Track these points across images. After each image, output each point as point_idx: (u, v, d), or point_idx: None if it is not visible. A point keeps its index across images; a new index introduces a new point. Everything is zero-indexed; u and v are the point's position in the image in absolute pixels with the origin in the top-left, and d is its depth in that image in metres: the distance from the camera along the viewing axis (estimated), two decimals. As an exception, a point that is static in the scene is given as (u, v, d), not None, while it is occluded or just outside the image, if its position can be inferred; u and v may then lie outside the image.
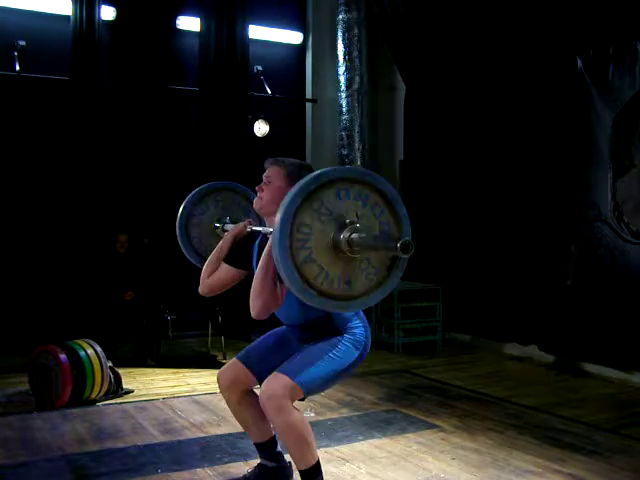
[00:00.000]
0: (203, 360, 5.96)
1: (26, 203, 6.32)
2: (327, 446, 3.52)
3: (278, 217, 2.15)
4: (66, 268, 6.28)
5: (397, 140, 7.72)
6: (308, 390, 2.59)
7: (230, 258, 2.85)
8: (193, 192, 3.22)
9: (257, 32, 7.38)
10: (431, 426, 3.97)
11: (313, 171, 2.32)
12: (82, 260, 6.27)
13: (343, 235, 2.22)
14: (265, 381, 2.59)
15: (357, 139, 7.38)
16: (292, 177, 2.63)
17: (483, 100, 6.39)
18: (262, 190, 2.70)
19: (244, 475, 3.03)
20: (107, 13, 6.58)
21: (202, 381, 5.19)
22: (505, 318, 6.20)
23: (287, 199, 2.18)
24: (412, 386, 5.00)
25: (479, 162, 6.49)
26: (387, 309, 6.60)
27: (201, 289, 2.89)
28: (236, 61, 7.03)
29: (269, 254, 2.44)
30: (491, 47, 6.22)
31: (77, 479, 3.14)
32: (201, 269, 2.91)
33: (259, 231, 2.82)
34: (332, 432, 3.82)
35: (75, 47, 6.33)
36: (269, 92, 7.25)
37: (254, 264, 2.75)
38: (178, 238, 3.19)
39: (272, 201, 2.63)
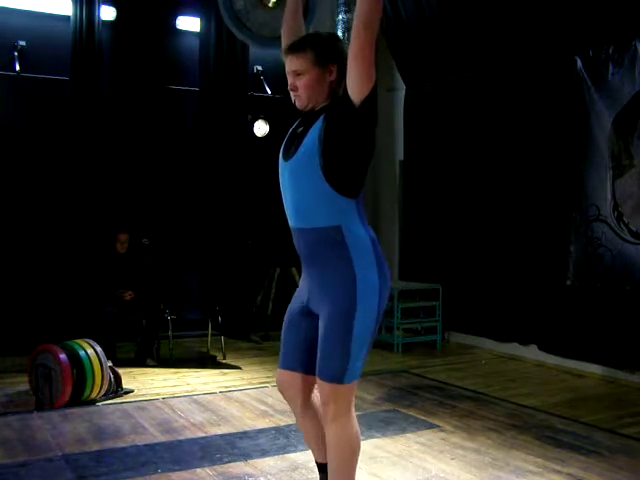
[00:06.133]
0: (203, 360, 5.96)
1: (26, 203, 6.32)
2: (327, 446, 3.51)
3: None
4: (66, 268, 6.27)
5: (397, 140, 7.71)
6: (358, 377, 2.45)
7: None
8: None
9: (257, 32, 7.37)
10: (431, 426, 3.98)
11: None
12: (82, 260, 6.26)
13: None
14: (315, 390, 2.46)
15: (357, 139, 7.35)
16: (323, 57, 2.35)
17: (483, 100, 6.40)
18: (296, 89, 2.42)
19: None
20: (107, 13, 6.57)
21: (202, 381, 5.19)
22: (505, 318, 6.20)
23: None
24: (412, 386, 5.00)
25: (479, 162, 6.49)
26: (387, 309, 6.59)
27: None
28: (236, 61, 7.02)
29: None
30: (491, 47, 6.23)
31: (77, 479, 3.14)
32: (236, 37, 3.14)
33: None
34: (332, 432, 3.81)
35: (75, 47, 6.31)
36: (269, 92, 7.24)
37: None
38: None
39: (314, 93, 2.39)
